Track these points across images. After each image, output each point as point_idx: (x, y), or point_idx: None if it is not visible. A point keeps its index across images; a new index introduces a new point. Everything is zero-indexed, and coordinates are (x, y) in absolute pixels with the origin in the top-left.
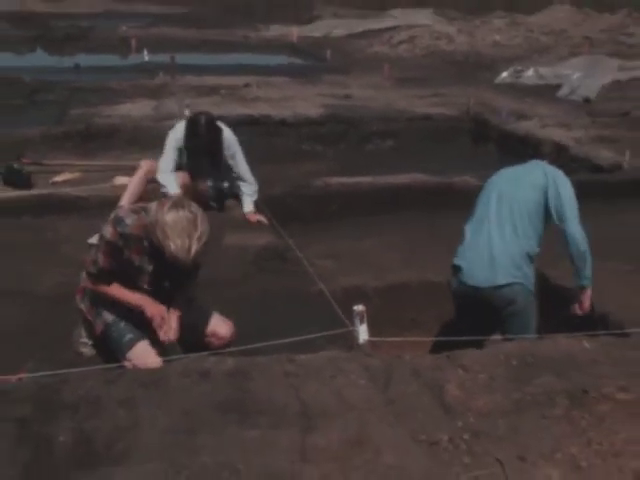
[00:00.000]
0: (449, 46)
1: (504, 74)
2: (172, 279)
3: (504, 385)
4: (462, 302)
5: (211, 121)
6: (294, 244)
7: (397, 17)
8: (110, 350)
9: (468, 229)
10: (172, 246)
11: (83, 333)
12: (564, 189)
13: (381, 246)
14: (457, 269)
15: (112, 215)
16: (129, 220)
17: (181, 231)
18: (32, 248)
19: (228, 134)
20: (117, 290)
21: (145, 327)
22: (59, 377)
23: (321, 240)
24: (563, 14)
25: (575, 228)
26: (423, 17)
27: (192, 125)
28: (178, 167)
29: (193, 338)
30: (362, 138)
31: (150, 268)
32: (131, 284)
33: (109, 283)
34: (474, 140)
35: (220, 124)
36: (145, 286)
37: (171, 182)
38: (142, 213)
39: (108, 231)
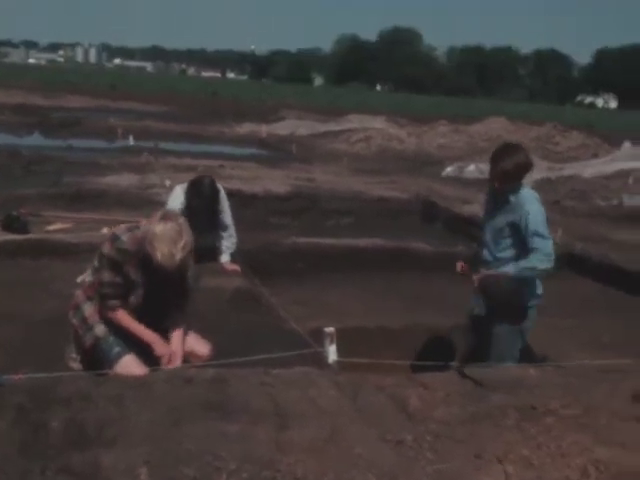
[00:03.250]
0: (400, 146)
1: (448, 169)
2: (164, 294)
3: (460, 400)
4: None
5: (213, 182)
6: (265, 290)
7: (353, 121)
8: (98, 363)
9: None
10: (159, 254)
11: (73, 349)
12: None
13: (343, 297)
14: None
15: (109, 233)
16: (124, 237)
17: (168, 240)
18: (28, 284)
19: (223, 197)
20: (128, 321)
21: (132, 342)
22: (53, 378)
23: (289, 290)
24: (498, 125)
25: None
26: (377, 122)
27: (196, 186)
28: None
29: None
30: (323, 214)
31: (144, 281)
32: (125, 298)
33: (117, 298)
34: (423, 219)
35: (218, 185)
36: (140, 300)
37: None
38: (136, 230)
39: (106, 247)
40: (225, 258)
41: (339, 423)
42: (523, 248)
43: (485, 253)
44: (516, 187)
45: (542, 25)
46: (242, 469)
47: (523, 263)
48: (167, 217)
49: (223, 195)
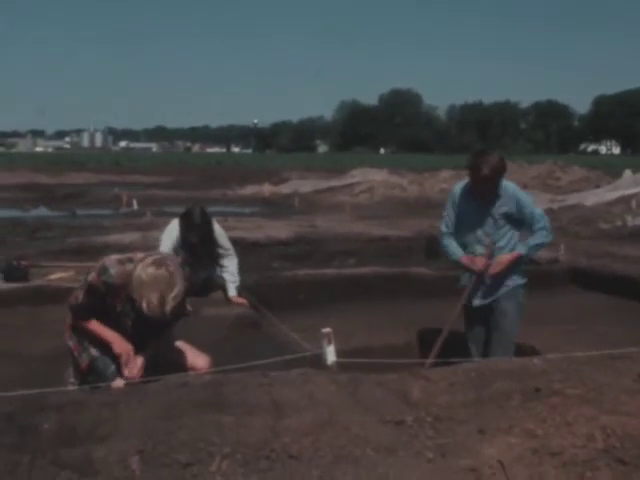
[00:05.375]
0: (403, 193)
1: None
2: (153, 326)
3: (463, 389)
4: None
5: (204, 211)
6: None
7: (356, 176)
8: (95, 382)
9: None
10: (145, 304)
11: (71, 373)
12: None
13: (346, 323)
14: None
15: (100, 262)
16: (113, 270)
17: (156, 289)
18: (27, 327)
19: (216, 225)
20: (91, 324)
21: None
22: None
23: (291, 320)
24: None
25: None
26: (380, 175)
27: (188, 215)
28: None
29: (172, 372)
30: (327, 256)
31: (132, 314)
32: (113, 326)
33: (86, 319)
34: (427, 255)
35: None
36: (128, 329)
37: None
38: (127, 264)
39: (92, 276)
40: (232, 292)
41: (337, 411)
42: (518, 231)
43: (479, 248)
44: (500, 184)
45: (539, 77)
46: (236, 451)
47: (532, 242)
48: (158, 262)
49: (217, 227)
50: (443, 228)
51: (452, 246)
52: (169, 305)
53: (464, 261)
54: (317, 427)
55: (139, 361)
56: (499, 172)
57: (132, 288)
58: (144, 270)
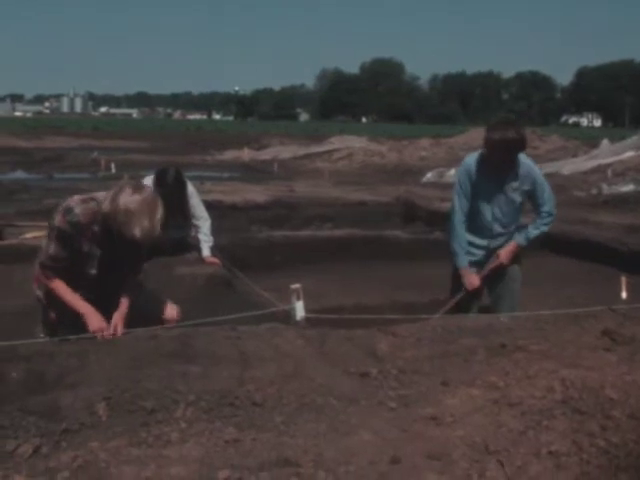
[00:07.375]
0: (382, 160)
1: (429, 174)
2: (121, 263)
3: (430, 344)
4: None
5: (178, 172)
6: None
7: (336, 143)
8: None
9: None
10: (137, 229)
11: (41, 329)
12: None
13: (320, 283)
14: None
15: (62, 204)
16: (78, 209)
17: (146, 213)
18: (1, 284)
19: (190, 186)
20: (64, 290)
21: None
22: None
23: (264, 280)
24: (477, 135)
25: None
26: (359, 142)
27: (161, 174)
28: None
29: (144, 324)
30: (304, 220)
31: (99, 253)
32: (80, 270)
33: (57, 273)
34: (404, 220)
35: (184, 176)
36: (93, 271)
37: None
38: (91, 202)
39: (57, 219)
40: (206, 252)
41: (303, 363)
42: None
43: (496, 227)
44: (517, 160)
45: (522, 47)
46: (201, 399)
47: (532, 233)
48: (137, 187)
49: (190, 188)
50: (456, 204)
51: (459, 242)
52: (157, 227)
53: (463, 272)
54: (282, 377)
55: (116, 329)
56: (516, 147)
57: (117, 218)
58: (130, 199)
